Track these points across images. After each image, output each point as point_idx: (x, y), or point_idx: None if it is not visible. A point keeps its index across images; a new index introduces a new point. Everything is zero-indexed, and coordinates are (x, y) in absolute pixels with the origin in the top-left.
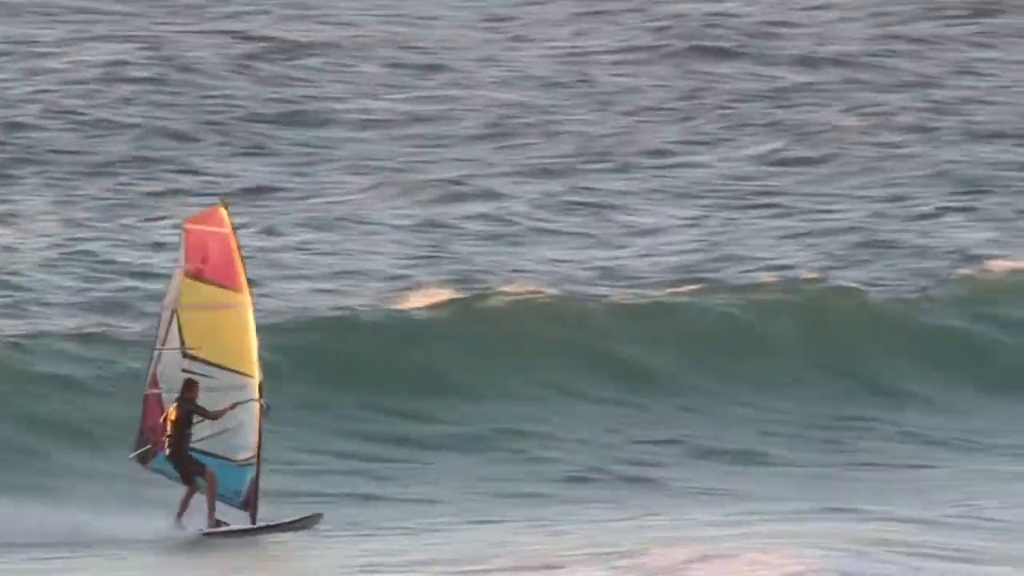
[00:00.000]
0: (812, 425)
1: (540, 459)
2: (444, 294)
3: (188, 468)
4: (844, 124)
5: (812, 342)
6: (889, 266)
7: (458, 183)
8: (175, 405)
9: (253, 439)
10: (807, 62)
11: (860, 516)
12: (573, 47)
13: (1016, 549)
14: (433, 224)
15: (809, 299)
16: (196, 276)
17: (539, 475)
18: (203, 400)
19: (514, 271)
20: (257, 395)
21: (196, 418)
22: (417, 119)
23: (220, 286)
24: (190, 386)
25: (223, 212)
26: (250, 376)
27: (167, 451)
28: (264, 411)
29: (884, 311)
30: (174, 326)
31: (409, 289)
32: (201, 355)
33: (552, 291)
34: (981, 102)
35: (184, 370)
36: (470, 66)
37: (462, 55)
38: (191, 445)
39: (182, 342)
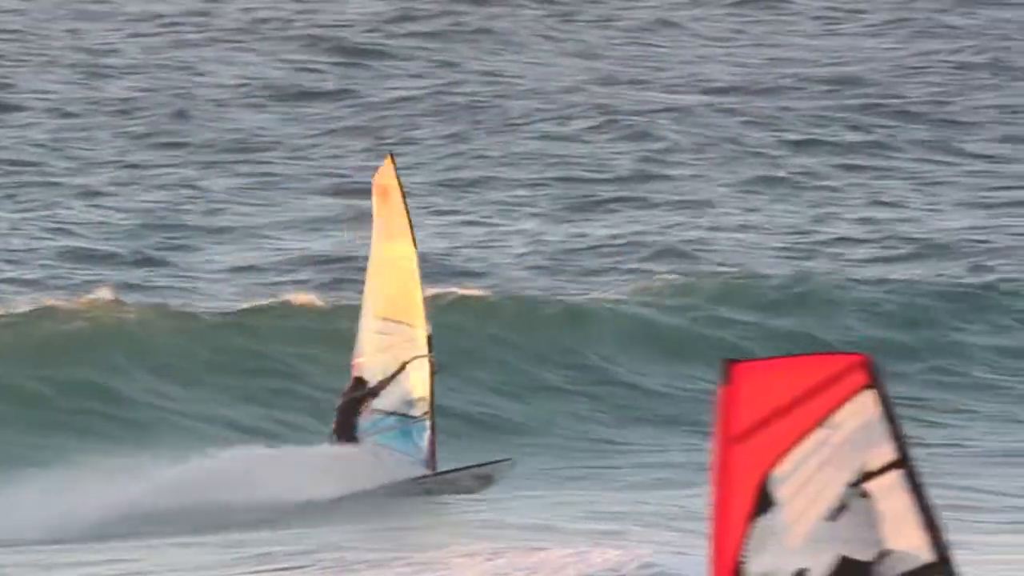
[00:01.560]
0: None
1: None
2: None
3: None
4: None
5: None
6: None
7: None
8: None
9: (426, 394)
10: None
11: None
12: None
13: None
14: None
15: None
16: (380, 232)
17: None
18: (381, 358)
19: None
20: (426, 350)
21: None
22: None
23: (395, 240)
24: (358, 382)
25: (390, 164)
26: (419, 328)
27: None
28: (435, 366)
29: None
30: (368, 289)
31: None
32: (382, 313)
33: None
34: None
35: (378, 332)
36: None
37: None
38: (377, 407)
39: (370, 304)
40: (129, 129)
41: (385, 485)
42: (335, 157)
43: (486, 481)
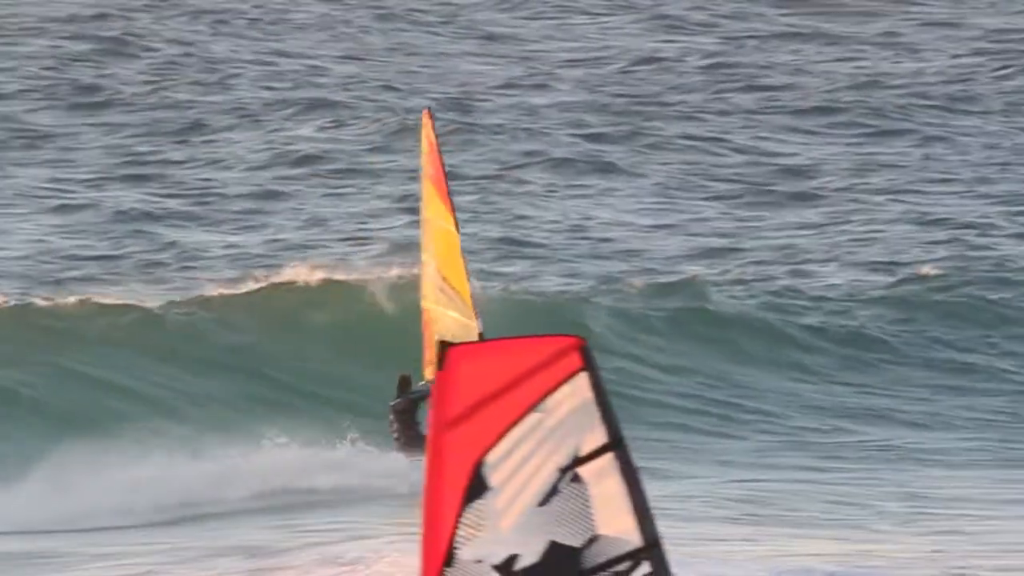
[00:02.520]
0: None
1: None
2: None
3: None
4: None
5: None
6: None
7: None
8: (396, 399)
9: None
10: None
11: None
12: None
13: None
14: None
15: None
16: (426, 179)
17: None
18: (450, 332)
19: None
20: None
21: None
22: None
23: (437, 203)
24: (403, 381)
25: (429, 122)
26: (472, 314)
27: (396, 444)
28: None
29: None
30: (426, 237)
31: None
32: (447, 276)
33: None
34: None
35: (441, 290)
36: None
37: None
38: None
39: (432, 256)
40: None
41: None
42: (81, 149)
43: None
